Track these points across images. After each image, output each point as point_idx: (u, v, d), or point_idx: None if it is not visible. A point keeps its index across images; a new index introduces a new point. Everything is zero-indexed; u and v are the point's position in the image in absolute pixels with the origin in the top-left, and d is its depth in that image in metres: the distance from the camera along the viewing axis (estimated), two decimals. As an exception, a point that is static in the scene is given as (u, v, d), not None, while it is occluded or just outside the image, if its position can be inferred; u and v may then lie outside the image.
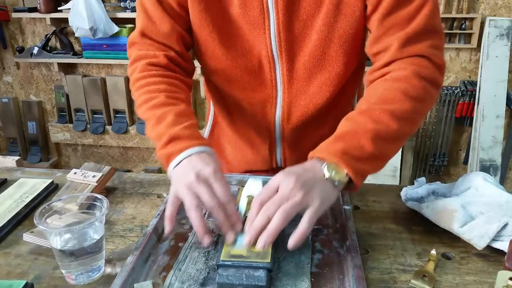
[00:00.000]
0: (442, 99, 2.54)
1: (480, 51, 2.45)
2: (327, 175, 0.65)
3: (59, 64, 2.74)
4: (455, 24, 2.46)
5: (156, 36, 0.82)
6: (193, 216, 0.63)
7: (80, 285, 0.64)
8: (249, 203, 0.69)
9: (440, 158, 2.70)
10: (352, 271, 0.62)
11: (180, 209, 0.81)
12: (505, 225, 0.69)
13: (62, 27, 2.68)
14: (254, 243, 0.61)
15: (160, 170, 3.03)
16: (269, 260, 0.60)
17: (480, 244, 0.69)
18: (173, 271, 0.64)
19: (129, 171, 3.07)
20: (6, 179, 0.95)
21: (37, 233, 0.73)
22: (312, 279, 0.62)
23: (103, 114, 2.85)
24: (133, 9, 2.49)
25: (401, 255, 0.70)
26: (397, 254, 0.70)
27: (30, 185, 0.90)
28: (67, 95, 2.89)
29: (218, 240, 0.71)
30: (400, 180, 2.60)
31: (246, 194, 0.72)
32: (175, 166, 0.69)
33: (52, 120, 3.04)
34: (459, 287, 0.63)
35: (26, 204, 0.83)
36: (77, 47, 2.78)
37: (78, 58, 2.68)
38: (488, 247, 0.69)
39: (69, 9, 2.45)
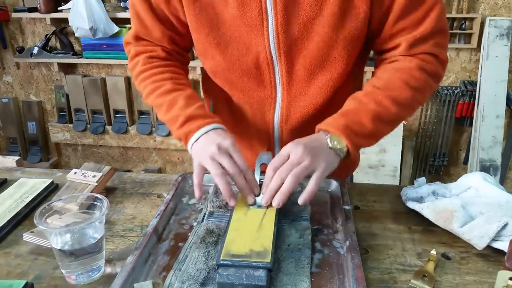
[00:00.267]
0: (442, 99, 2.54)
1: (480, 51, 2.45)
2: (330, 144, 0.74)
3: (59, 64, 2.74)
4: (455, 24, 2.46)
5: (150, 39, 0.89)
6: (219, 182, 0.70)
7: (80, 285, 0.64)
8: (262, 172, 0.77)
9: (440, 158, 2.70)
10: (352, 271, 0.62)
11: (180, 209, 0.81)
12: (505, 225, 0.69)
13: (62, 27, 2.68)
14: (271, 201, 0.70)
15: (160, 170, 3.04)
16: (269, 260, 0.60)
17: (480, 244, 0.69)
18: (173, 271, 0.64)
19: (129, 171, 3.07)
20: (6, 179, 0.95)
21: (37, 233, 0.73)
22: (312, 279, 0.62)
23: (103, 114, 2.85)
24: (133, 9, 2.48)
25: (401, 255, 0.70)
26: (397, 254, 0.70)
27: (30, 185, 0.90)
28: (67, 95, 2.89)
29: (218, 240, 0.71)
30: (400, 180, 2.60)
31: (259, 164, 0.79)
32: (194, 142, 0.77)
33: (52, 120, 3.04)
34: (459, 287, 0.63)
35: (26, 204, 0.83)
36: (77, 47, 2.78)
37: (78, 58, 2.67)
38: (488, 247, 0.69)
39: (69, 9, 2.45)
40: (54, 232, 0.62)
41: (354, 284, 0.60)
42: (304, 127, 0.89)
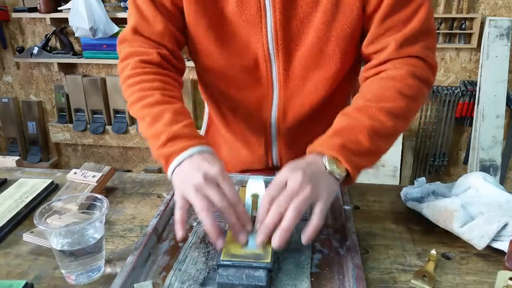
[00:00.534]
0: (442, 99, 2.54)
1: (480, 51, 2.45)
2: (329, 168, 0.66)
3: (59, 64, 2.74)
4: (455, 24, 2.46)
5: (149, 34, 0.81)
6: (205, 220, 0.61)
7: (80, 285, 0.64)
8: (254, 203, 0.69)
9: (440, 158, 2.70)
10: (352, 271, 0.62)
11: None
12: (505, 225, 0.69)
13: (62, 27, 2.68)
14: (267, 241, 0.61)
15: (160, 170, 3.03)
16: (269, 260, 0.60)
17: (480, 244, 0.69)
18: (173, 271, 0.64)
19: (129, 171, 3.07)
20: (6, 179, 0.95)
21: (37, 233, 0.73)
22: (312, 279, 0.62)
23: (103, 114, 2.85)
24: (133, 9, 2.48)
25: (401, 255, 0.70)
26: (397, 254, 0.70)
27: (30, 185, 0.90)
28: (67, 95, 2.89)
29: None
30: (400, 180, 2.60)
31: (250, 193, 0.71)
32: (176, 166, 0.67)
33: (52, 120, 3.04)
34: (459, 287, 0.63)
35: (26, 204, 0.83)
36: (77, 47, 2.78)
37: (78, 58, 2.68)
38: (488, 247, 0.69)
39: (69, 9, 2.45)
40: (54, 232, 0.62)
41: (354, 284, 0.60)
42: (300, 125, 0.89)
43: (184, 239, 0.71)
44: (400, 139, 2.52)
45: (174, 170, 0.67)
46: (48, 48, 2.73)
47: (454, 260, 0.69)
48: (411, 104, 0.74)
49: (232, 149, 1.01)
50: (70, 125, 2.91)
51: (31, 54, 2.70)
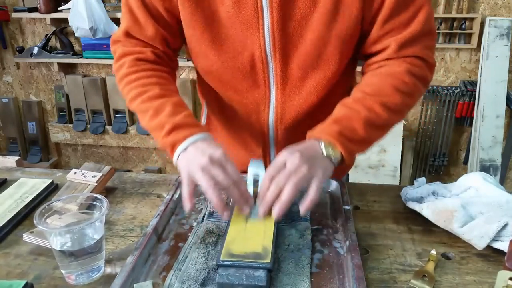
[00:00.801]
0: (442, 99, 2.54)
1: (480, 51, 2.45)
2: (325, 152, 0.73)
3: (59, 64, 2.74)
4: (455, 24, 2.46)
5: (141, 37, 0.85)
6: (212, 196, 0.67)
7: (80, 285, 0.64)
8: (255, 182, 0.74)
9: (440, 158, 2.70)
10: (352, 271, 0.62)
11: (180, 209, 0.81)
12: (505, 225, 0.69)
13: (62, 27, 2.68)
14: (268, 212, 0.68)
15: (160, 170, 3.03)
16: (269, 260, 0.60)
17: (480, 244, 0.69)
18: (173, 271, 0.64)
19: (129, 171, 3.07)
20: (6, 179, 0.95)
21: (37, 233, 0.73)
22: (312, 279, 0.62)
23: (103, 114, 2.85)
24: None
25: (401, 255, 0.70)
26: (397, 254, 0.70)
27: (30, 185, 0.90)
28: (67, 95, 2.89)
29: (218, 240, 0.71)
30: (400, 180, 2.60)
31: (252, 174, 0.76)
32: (181, 152, 0.73)
33: (52, 120, 3.04)
34: (459, 287, 0.63)
35: (26, 204, 0.83)
36: (77, 47, 2.78)
37: (78, 58, 2.67)
38: (488, 247, 0.69)
39: (69, 9, 2.45)
40: (54, 232, 0.62)
41: (354, 284, 0.60)
42: (299, 126, 0.89)
43: (184, 239, 0.72)
44: (400, 139, 2.52)
45: (179, 156, 0.73)
46: (48, 48, 2.73)
47: (454, 260, 0.69)
48: (406, 100, 0.79)
49: (230, 150, 1.00)
50: (70, 125, 2.91)
51: (31, 54, 2.70)
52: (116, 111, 2.84)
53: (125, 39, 0.85)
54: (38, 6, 2.56)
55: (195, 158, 0.70)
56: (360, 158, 2.47)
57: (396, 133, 2.50)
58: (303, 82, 0.84)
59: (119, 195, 0.90)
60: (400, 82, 0.78)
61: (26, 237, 0.74)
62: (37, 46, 2.69)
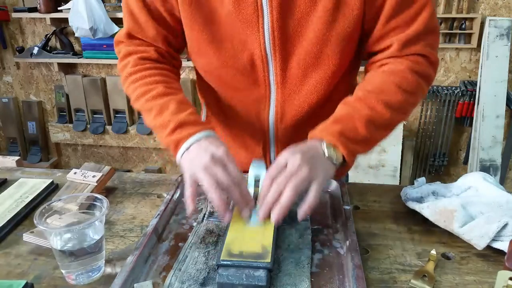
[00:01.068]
0: (442, 99, 2.54)
1: (480, 51, 2.45)
2: (326, 153, 0.71)
3: (59, 64, 2.74)
4: (455, 24, 2.46)
5: (143, 37, 0.86)
6: (213, 195, 0.66)
7: (80, 285, 0.64)
8: (256, 182, 0.73)
9: (440, 158, 2.70)
10: (352, 271, 0.62)
11: (180, 209, 0.81)
12: (505, 225, 0.69)
13: (62, 27, 2.68)
14: (268, 215, 0.66)
15: (160, 170, 3.03)
16: (269, 260, 0.60)
17: (480, 244, 0.69)
18: (173, 271, 0.64)
19: (129, 171, 3.07)
20: (6, 179, 0.95)
21: (37, 233, 0.73)
22: (312, 279, 0.62)
23: (103, 114, 2.85)
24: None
25: (401, 255, 0.70)
26: (397, 254, 0.70)
27: (30, 185, 0.90)
28: (67, 95, 2.89)
29: (218, 240, 0.71)
30: (400, 180, 2.60)
31: (253, 175, 0.75)
32: (184, 151, 0.72)
33: (52, 120, 3.04)
34: (459, 287, 0.63)
35: (26, 204, 0.83)
36: (77, 47, 2.78)
37: (78, 58, 2.67)
38: (488, 247, 0.69)
39: (69, 9, 2.45)
40: (54, 232, 0.62)
41: (354, 284, 0.60)
42: (299, 126, 0.89)
43: (184, 239, 0.72)
44: (400, 139, 2.52)
45: (182, 154, 0.73)
46: (48, 48, 2.73)
47: (454, 260, 0.69)
48: (409, 98, 0.78)
49: (230, 150, 0.99)
50: (70, 125, 2.91)
51: (31, 54, 2.70)
52: (116, 111, 2.84)
53: (127, 40, 0.86)
54: (38, 6, 2.56)
55: (197, 157, 0.70)
56: (360, 158, 2.47)
57: (396, 133, 2.50)
58: (303, 81, 0.84)
59: (119, 195, 0.90)
60: (403, 80, 0.77)
61: (26, 237, 0.74)
62: (37, 46, 2.69)
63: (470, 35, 2.45)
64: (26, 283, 0.60)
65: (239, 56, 0.82)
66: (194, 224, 0.77)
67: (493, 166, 2.49)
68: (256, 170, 0.75)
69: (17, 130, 3.03)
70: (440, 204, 0.75)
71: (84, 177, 0.87)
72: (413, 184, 0.85)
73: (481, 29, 2.40)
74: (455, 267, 0.67)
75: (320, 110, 0.88)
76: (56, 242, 0.62)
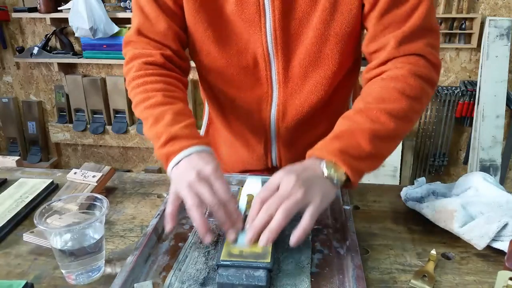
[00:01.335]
0: (442, 99, 2.54)
1: (480, 51, 2.45)
2: (326, 173, 0.65)
3: (59, 64, 2.74)
4: (455, 24, 2.46)
5: (153, 35, 0.82)
6: (195, 215, 0.63)
7: (80, 285, 0.64)
8: (249, 202, 0.69)
9: (440, 158, 2.70)
10: (352, 271, 0.62)
11: (180, 209, 0.81)
12: (505, 225, 0.69)
13: (62, 27, 2.68)
14: (255, 241, 0.61)
15: (160, 170, 3.03)
16: (269, 260, 0.60)
17: (480, 244, 0.69)
18: (173, 271, 0.64)
19: (129, 171, 3.07)
20: (6, 179, 0.95)
21: (37, 233, 0.73)
22: (312, 279, 0.62)
23: (103, 114, 2.85)
24: (133, 9, 2.49)
25: (401, 255, 0.70)
26: (397, 254, 0.70)
27: (30, 185, 0.90)
28: (67, 95, 2.89)
29: (218, 240, 0.71)
30: (400, 180, 2.60)
31: (246, 193, 0.73)
32: (174, 165, 0.69)
33: (52, 120, 3.04)
34: (459, 287, 0.63)
35: (26, 204, 0.83)
36: (77, 47, 2.78)
37: (78, 58, 2.68)
38: (488, 247, 0.69)
39: (69, 9, 2.45)
40: (54, 232, 0.62)
41: (354, 284, 0.60)
42: (300, 125, 0.89)
43: (184, 239, 0.72)
44: (400, 139, 2.52)
45: (172, 168, 0.69)
46: (48, 48, 2.73)
47: (454, 260, 0.69)
48: (414, 105, 0.72)
49: (232, 148, 1.01)
50: (70, 125, 2.91)
51: (31, 54, 2.70)
52: (116, 111, 2.84)
53: (137, 37, 0.83)
54: (38, 6, 2.56)
55: (183, 173, 0.66)
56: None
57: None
58: (304, 80, 0.84)
59: (119, 195, 0.90)
60: (405, 86, 0.72)
61: (26, 237, 0.74)
62: (37, 46, 2.69)
63: (470, 35, 2.45)
64: (26, 283, 0.60)
65: (242, 55, 0.82)
66: (195, 224, 0.77)
67: (493, 166, 2.49)
68: (249, 188, 0.72)
69: (17, 130, 3.03)
70: (440, 204, 0.75)
71: (84, 177, 0.87)
72: (413, 184, 0.85)
73: (481, 29, 2.40)
74: (455, 267, 0.67)
75: (321, 110, 0.88)
76: (56, 242, 0.62)
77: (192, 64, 0.91)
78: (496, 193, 0.77)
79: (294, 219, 0.62)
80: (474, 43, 2.43)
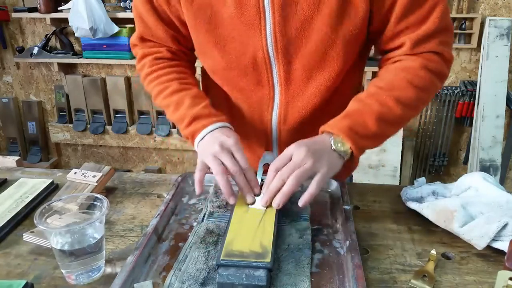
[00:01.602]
0: (442, 99, 2.54)
1: (480, 51, 2.45)
2: (334, 147, 0.74)
3: (59, 64, 2.74)
4: (455, 24, 2.46)
5: (154, 39, 0.91)
6: (220, 180, 0.71)
7: (80, 285, 0.64)
8: (265, 172, 0.76)
9: (440, 158, 2.70)
10: (352, 271, 0.62)
11: (180, 209, 0.81)
12: (505, 225, 0.69)
13: (62, 27, 2.68)
14: (270, 202, 0.70)
15: (160, 170, 3.03)
16: (269, 260, 0.60)
17: (480, 244, 0.69)
18: (173, 271, 0.64)
19: (129, 171, 3.07)
20: (6, 179, 0.95)
21: (37, 233, 0.73)
22: (312, 279, 0.62)
23: (103, 114, 2.85)
24: (133, 9, 2.48)
25: (401, 255, 0.70)
26: (397, 254, 0.70)
27: (30, 185, 0.90)
28: (67, 95, 2.89)
29: (218, 240, 0.71)
30: (400, 180, 2.60)
31: (262, 164, 0.80)
32: (199, 140, 0.79)
33: (52, 120, 3.04)
34: (459, 287, 0.63)
35: (26, 204, 0.83)
36: (77, 47, 2.78)
37: (78, 58, 2.67)
38: (488, 247, 0.69)
39: (69, 9, 2.45)
40: (54, 232, 0.62)
41: (354, 284, 0.60)
42: (302, 128, 0.89)
43: (184, 239, 0.72)
44: (400, 139, 2.52)
45: (198, 143, 0.79)
46: (48, 48, 2.73)
47: (454, 260, 0.69)
48: (421, 95, 0.78)
49: None
50: (70, 125, 2.91)
51: (31, 54, 2.70)
52: (116, 111, 2.84)
53: (141, 43, 0.92)
54: (38, 6, 2.56)
55: (208, 145, 0.75)
56: (360, 158, 2.47)
57: (396, 133, 2.50)
58: (307, 83, 0.84)
59: (119, 195, 0.90)
60: (415, 77, 0.78)
61: (26, 237, 0.74)
62: (37, 46, 2.69)
63: (470, 35, 2.45)
64: (26, 283, 0.60)
65: (242, 57, 0.82)
66: (194, 224, 0.77)
67: (493, 166, 2.49)
68: (265, 159, 0.80)
69: (17, 130, 3.03)
70: (440, 204, 0.75)
71: (84, 177, 0.87)
72: (413, 184, 0.85)
73: (481, 29, 2.40)
74: (455, 267, 0.67)
75: (323, 112, 0.88)
76: (56, 242, 0.62)
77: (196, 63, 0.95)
78: (496, 193, 0.77)
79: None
80: (474, 43, 2.43)
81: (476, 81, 2.49)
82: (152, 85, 0.88)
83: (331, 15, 0.76)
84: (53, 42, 2.79)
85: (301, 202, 0.69)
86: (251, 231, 0.67)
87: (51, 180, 0.92)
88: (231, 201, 0.72)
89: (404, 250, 0.71)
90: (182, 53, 0.93)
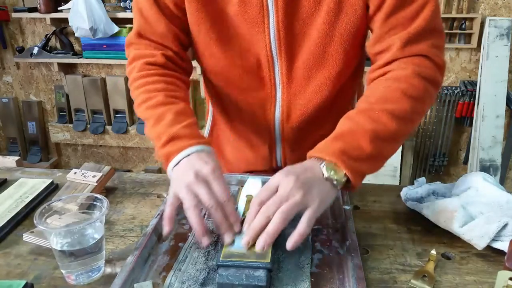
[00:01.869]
0: (442, 99, 2.54)
1: (480, 51, 2.45)
2: (326, 174, 0.65)
3: (59, 64, 2.74)
4: (455, 24, 2.46)
5: (153, 36, 0.83)
6: (192, 216, 0.63)
7: (80, 285, 0.64)
8: (248, 203, 0.69)
9: (440, 158, 2.70)
10: (352, 271, 0.62)
11: (180, 209, 0.81)
12: (505, 225, 0.69)
13: (62, 27, 2.68)
14: (252, 244, 0.61)
15: (160, 170, 3.03)
16: (269, 260, 0.60)
17: (480, 244, 0.69)
18: (173, 271, 0.64)
19: (129, 171, 3.07)
20: (6, 179, 0.95)
21: (37, 233, 0.73)
22: (312, 279, 0.62)
23: (103, 114, 2.85)
24: (133, 9, 2.49)
25: (401, 255, 0.70)
26: (397, 254, 0.70)
27: (30, 185, 0.90)
28: (67, 95, 2.89)
29: (218, 240, 0.70)
30: (400, 180, 2.60)
31: (245, 194, 0.72)
32: (174, 166, 0.69)
33: (52, 120, 3.05)
34: (459, 287, 0.63)
35: (26, 204, 0.83)
36: (77, 47, 2.78)
37: (78, 58, 2.68)
38: (488, 247, 0.69)
39: (69, 9, 2.45)
40: (54, 232, 0.62)
41: (354, 284, 0.60)
42: (305, 125, 0.89)
43: (184, 239, 0.72)
44: (400, 139, 2.52)
45: (172, 169, 0.69)
46: (48, 48, 2.73)
47: (454, 260, 0.69)
48: (417, 106, 0.72)
49: (236, 149, 1.01)
50: (70, 125, 2.91)
51: (31, 54, 2.70)
52: (116, 111, 2.84)
53: (137, 40, 0.84)
54: (38, 6, 2.56)
55: (183, 174, 0.66)
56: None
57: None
58: (308, 81, 0.84)
59: (119, 195, 0.90)
60: (409, 86, 0.71)
61: (26, 237, 0.74)
62: (37, 46, 2.69)
63: (470, 35, 2.45)
64: (26, 283, 0.60)
65: (245, 56, 0.82)
66: (192, 225, 0.77)
67: (493, 166, 2.49)
68: (250, 188, 0.72)
69: (17, 130, 3.03)
70: (440, 204, 0.75)
71: (84, 177, 0.87)
72: (413, 184, 0.85)
73: (481, 29, 2.40)
74: (455, 267, 0.67)
75: (325, 111, 0.88)
76: (56, 242, 0.62)
77: (193, 64, 0.92)
78: (496, 193, 0.77)
79: (293, 219, 0.62)
80: (474, 43, 2.43)
81: (476, 81, 2.49)
82: (137, 92, 0.79)
83: (329, 13, 0.76)
84: (53, 42, 2.79)
85: (289, 244, 0.60)
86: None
87: (51, 180, 0.92)
88: (204, 242, 0.63)
89: (404, 250, 0.71)
90: (179, 59, 0.85)
